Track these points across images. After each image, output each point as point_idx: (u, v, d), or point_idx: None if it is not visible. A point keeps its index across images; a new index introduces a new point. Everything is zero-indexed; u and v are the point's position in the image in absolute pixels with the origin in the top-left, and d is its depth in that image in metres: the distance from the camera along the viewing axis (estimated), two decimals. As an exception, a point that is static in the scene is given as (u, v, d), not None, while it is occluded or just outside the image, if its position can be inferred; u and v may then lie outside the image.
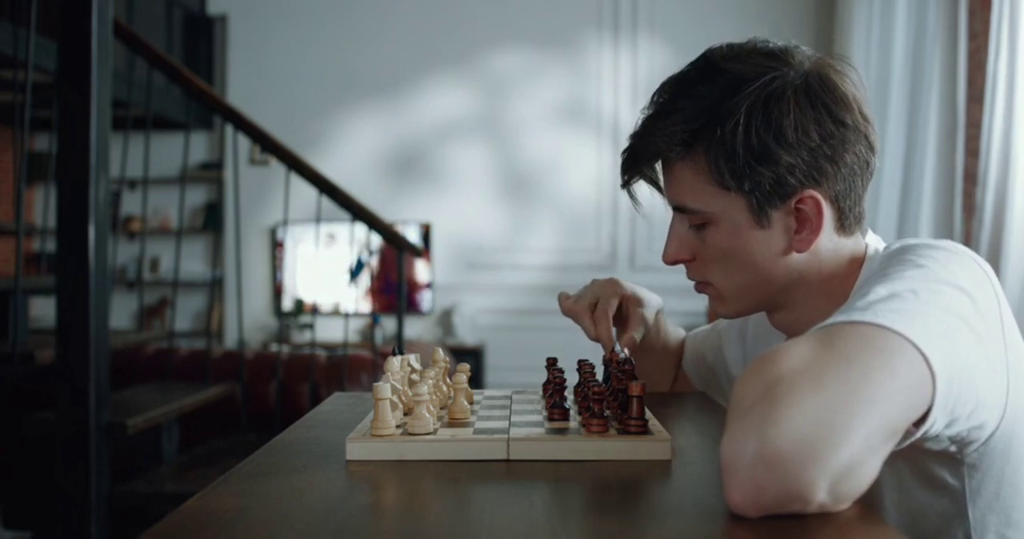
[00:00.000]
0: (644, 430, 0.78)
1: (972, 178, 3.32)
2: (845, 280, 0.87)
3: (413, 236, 5.11)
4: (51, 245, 2.14)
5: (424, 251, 4.95)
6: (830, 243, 0.86)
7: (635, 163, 0.89)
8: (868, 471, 0.61)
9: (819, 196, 0.83)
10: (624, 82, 5.03)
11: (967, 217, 3.42)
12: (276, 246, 5.26)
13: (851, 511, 0.62)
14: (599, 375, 0.94)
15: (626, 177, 0.91)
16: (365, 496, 0.70)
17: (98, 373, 1.96)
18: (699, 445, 0.84)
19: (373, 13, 5.17)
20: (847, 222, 0.86)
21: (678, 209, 0.88)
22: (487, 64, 5.11)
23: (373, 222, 3.02)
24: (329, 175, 3.03)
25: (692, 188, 0.85)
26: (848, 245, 0.88)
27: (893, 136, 3.91)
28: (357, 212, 2.97)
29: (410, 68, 5.14)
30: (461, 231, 5.16)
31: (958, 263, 0.77)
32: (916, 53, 3.72)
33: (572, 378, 0.93)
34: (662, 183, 0.90)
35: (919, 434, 0.69)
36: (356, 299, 5.24)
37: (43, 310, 4.28)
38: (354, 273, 5.08)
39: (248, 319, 5.09)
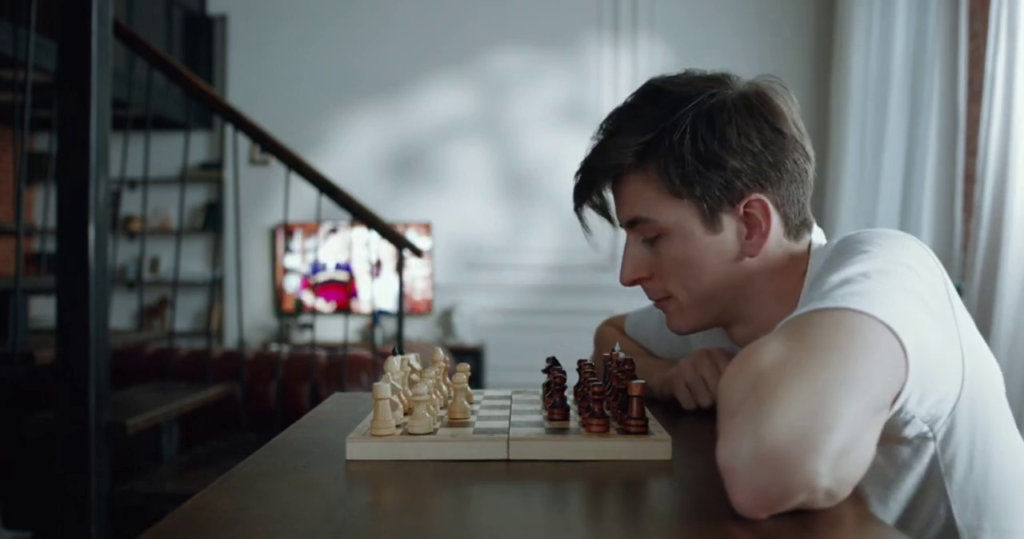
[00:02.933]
0: (644, 430, 0.78)
1: (972, 178, 3.32)
2: (796, 284, 0.90)
3: (417, 238, 5.11)
4: (51, 245, 2.14)
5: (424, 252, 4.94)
6: (779, 248, 0.90)
7: (589, 181, 0.92)
8: (865, 450, 0.62)
9: (765, 199, 0.87)
10: (624, 82, 5.03)
11: (967, 217, 3.42)
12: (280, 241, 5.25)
13: (851, 511, 0.62)
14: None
15: (579, 200, 0.93)
16: (365, 496, 0.70)
17: (98, 373, 1.96)
18: (699, 445, 0.84)
19: (373, 13, 5.17)
20: (793, 227, 0.90)
21: (632, 223, 0.91)
22: (487, 64, 5.11)
23: (373, 222, 3.02)
24: (329, 175, 3.03)
25: (645, 200, 0.89)
26: (797, 249, 0.92)
27: (893, 136, 3.91)
28: (357, 212, 2.97)
29: (410, 68, 5.14)
30: (461, 231, 5.15)
31: (900, 245, 0.80)
32: (916, 53, 3.72)
33: (572, 378, 0.93)
34: (613, 207, 0.94)
35: (895, 409, 0.70)
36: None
37: (43, 310, 4.28)
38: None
39: (248, 319, 5.09)
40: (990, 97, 2.93)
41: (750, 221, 0.88)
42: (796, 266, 0.91)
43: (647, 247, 0.92)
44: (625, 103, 0.93)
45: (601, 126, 0.93)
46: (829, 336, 0.67)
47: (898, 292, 0.72)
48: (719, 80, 0.92)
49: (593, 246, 1.02)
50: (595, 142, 0.92)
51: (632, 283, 0.95)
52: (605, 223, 0.96)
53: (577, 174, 0.93)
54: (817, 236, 0.95)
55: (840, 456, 0.59)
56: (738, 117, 0.87)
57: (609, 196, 0.95)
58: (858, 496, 0.64)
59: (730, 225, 0.88)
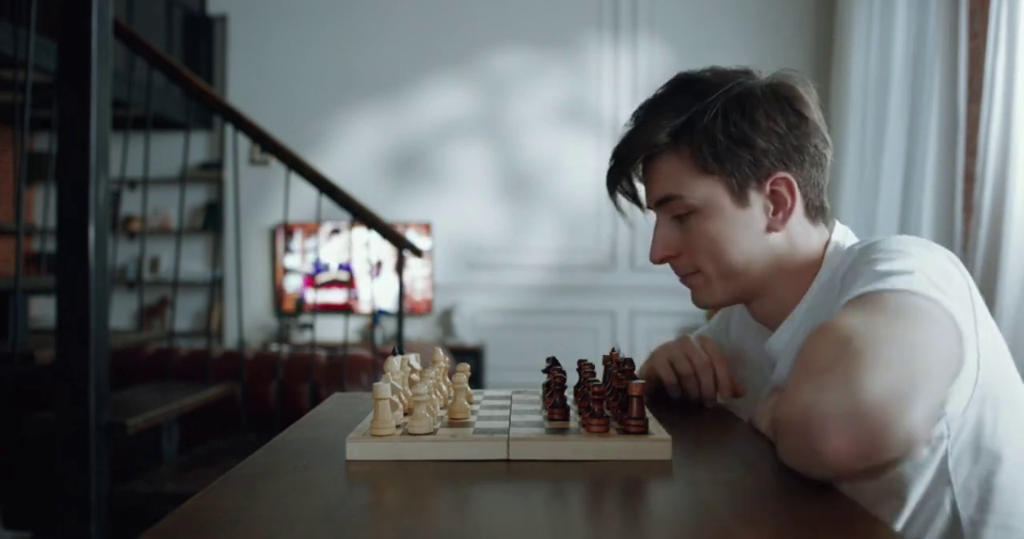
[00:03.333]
0: (644, 430, 0.78)
1: (972, 178, 3.32)
2: (812, 266, 0.96)
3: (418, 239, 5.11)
4: (51, 245, 2.14)
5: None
6: (801, 227, 0.96)
7: (624, 162, 0.97)
8: (938, 413, 0.71)
9: (791, 177, 0.94)
10: (624, 82, 5.03)
11: (967, 217, 3.42)
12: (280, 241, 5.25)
13: (852, 512, 0.62)
14: (599, 375, 0.94)
15: (613, 184, 1.00)
16: (365, 496, 0.70)
17: (98, 373, 1.95)
18: (699, 445, 0.84)
19: (373, 13, 5.17)
20: (813, 208, 0.96)
21: (664, 201, 0.96)
22: (487, 64, 5.11)
23: (373, 222, 3.02)
24: (329, 175, 3.03)
25: (678, 177, 0.94)
26: (816, 234, 0.98)
27: (893, 136, 3.91)
28: (357, 212, 2.97)
29: (410, 68, 5.14)
30: (461, 231, 5.16)
31: (924, 245, 0.88)
32: (916, 53, 3.72)
33: (572, 378, 0.93)
34: (643, 188, 1.00)
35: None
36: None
37: (43, 310, 4.28)
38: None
39: (248, 319, 5.09)
40: (990, 97, 2.93)
41: (776, 198, 0.94)
42: (815, 249, 0.97)
43: (676, 225, 0.97)
44: (656, 93, 0.98)
45: (634, 114, 0.98)
46: (905, 310, 0.72)
47: (935, 286, 0.78)
48: (745, 72, 0.98)
49: (629, 225, 1.05)
50: (628, 127, 0.98)
51: (662, 261, 0.99)
52: (634, 209, 1.03)
53: (612, 158, 0.98)
54: (840, 234, 0.99)
55: (928, 417, 0.64)
56: (765, 102, 0.93)
57: (638, 186, 1.02)
58: (857, 497, 0.64)
59: (757, 201, 0.94)
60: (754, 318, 1.03)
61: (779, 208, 0.94)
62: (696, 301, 1.01)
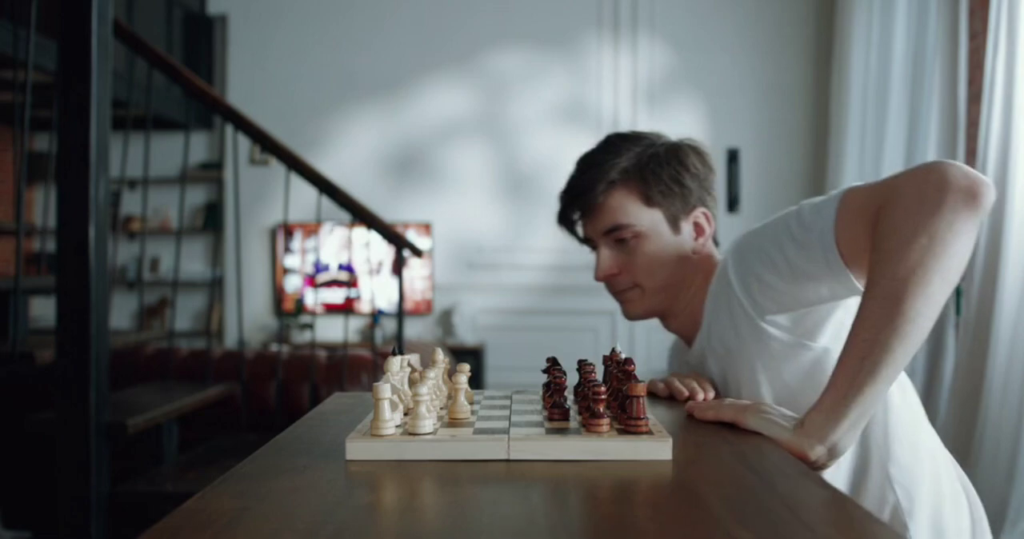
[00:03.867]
0: (644, 430, 0.78)
1: (972, 178, 3.32)
2: (709, 278, 1.17)
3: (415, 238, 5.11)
4: (51, 245, 2.14)
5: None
6: (707, 250, 1.21)
7: (583, 196, 1.19)
8: None
9: (708, 210, 1.21)
10: (624, 82, 5.03)
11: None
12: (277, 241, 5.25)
13: (850, 511, 0.62)
14: (599, 375, 0.94)
15: (568, 214, 1.23)
16: (365, 496, 0.70)
17: (98, 373, 1.95)
18: (699, 445, 0.84)
19: (373, 13, 5.17)
20: (711, 236, 1.22)
21: (613, 230, 1.18)
22: (487, 64, 5.11)
23: (373, 222, 3.02)
24: (329, 175, 3.03)
25: (626, 208, 1.18)
26: (714, 255, 1.23)
27: (893, 136, 3.91)
28: (357, 212, 2.97)
29: (410, 68, 5.14)
30: (461, 231, 5.16)
31: None
32: (916, 53, 3.72)
33: (572, 378, 0.93)
34: (587, 225, 1.22)
35: None
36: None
37: (43, 310, 4.28)
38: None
39: (248, 319, 5.10)
40: (990, 97, 2.93)
41: (698, 227, 1.21)
42: (713, 267, 1.20)
43: (617, 249, 1.19)
44: (594, 149, 1.22)
45: (578, 164, 1.22)
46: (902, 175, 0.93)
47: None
48: (661, 134, 1.24)
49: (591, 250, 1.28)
50: (576, 174, 1.22)
51: (605, 278, 1.21)
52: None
53: (567, 195, 1.22)
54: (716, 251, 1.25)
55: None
56: (691, 153, 1.20)
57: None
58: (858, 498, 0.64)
59: (686, 229, 1.20)
60: (671, 331, 1.25)
61: (700, 234, 1.21)
62: (628, 313, 1.23)
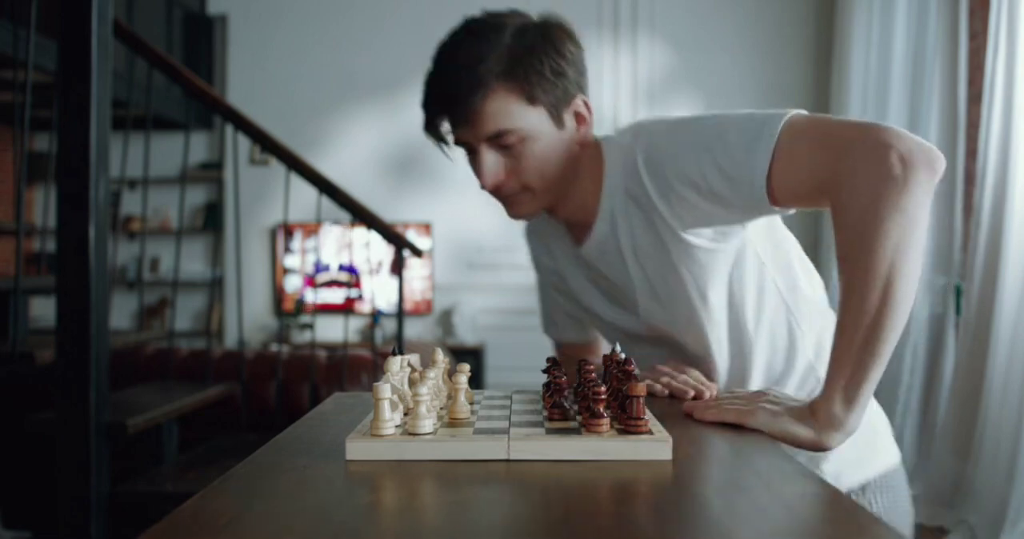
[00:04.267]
0: (644, 430, 0.78)
1: (972, 179, 3.32)
2: (598, 166, 1.12)
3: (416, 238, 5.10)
4: (51, 245, 2.14)
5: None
6: (590, 138, 1.13)
7: (459, 104, 1.04)
8: None
9: (586, 98, 1.12)
10: (624, 82, 5.03)
11: (967, 217, 3.42)
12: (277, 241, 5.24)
13: (850, 510, 0.62)
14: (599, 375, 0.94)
15: (435, 122, 1.09)
16: (365, 496, 0.70)
17: (98, 373, 1.95)
18: (699, 445, 0.84)
19: (373, 13, 5.17)
20: (593, 121, 1.14)
21: (496, 136, 1.06)
22: (487, 64, 5.11)
23: (373, 222, 3.02)
24: (329, 175, 3.03)
25: (509, 111, 1.05)
26: (595, 140, 1.15)
27: (893, 136, 3.90)
28: (357, 212, 2.97)
29: (410, 68, 5.13)
30: (461, 231, 5.15)
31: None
32: (916, 53, 3.72)
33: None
34: (462, 132, 1.08)
35: None
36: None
37: (43, 310, 4.28)
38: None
39: (248, 319, 5.09)
40: (990, 98, 2.93)
41: (579, 117, 1.11)
42: (599, 152, 1.13)
43: (501, 153, 1.08)
44: (456, 37, 1.07)
45: (441, 65, 1.06)
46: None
47: None
48: (520, 13, 1.10)
49: (451, 159, 1.20)
50: (441, 78, 1.06)
51: (495, 186, 1.10)
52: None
53: (437, 103, 1.07)
54: (600, 136, 1.16)
55: None
56: (565, 36, 1.08)
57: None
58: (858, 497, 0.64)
59: (568, 121, 1.09)
60: (561, 222, 1.20)
61: (582, 124, 1.11)
62: (515, 215, 1.14)
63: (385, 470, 0.74)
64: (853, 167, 0.86)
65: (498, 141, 1.06)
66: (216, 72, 5.32)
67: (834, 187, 0.87)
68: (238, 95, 5.13)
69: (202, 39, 5.27)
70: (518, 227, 5.02)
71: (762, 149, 0.93)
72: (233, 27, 5.27)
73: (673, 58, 5.01)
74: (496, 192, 1.12)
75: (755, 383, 1.13)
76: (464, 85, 1.03)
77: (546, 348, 1.48)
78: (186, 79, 2.64)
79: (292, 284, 5.28)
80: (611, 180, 1.09)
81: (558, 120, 1.08)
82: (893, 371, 3.60)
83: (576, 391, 0.91)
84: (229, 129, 3.51)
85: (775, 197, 0.94)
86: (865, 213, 0.84)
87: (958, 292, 3.37)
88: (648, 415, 0.81)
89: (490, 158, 1.08)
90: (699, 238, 1.04)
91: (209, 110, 2.93)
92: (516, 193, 1.11)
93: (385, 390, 0.79)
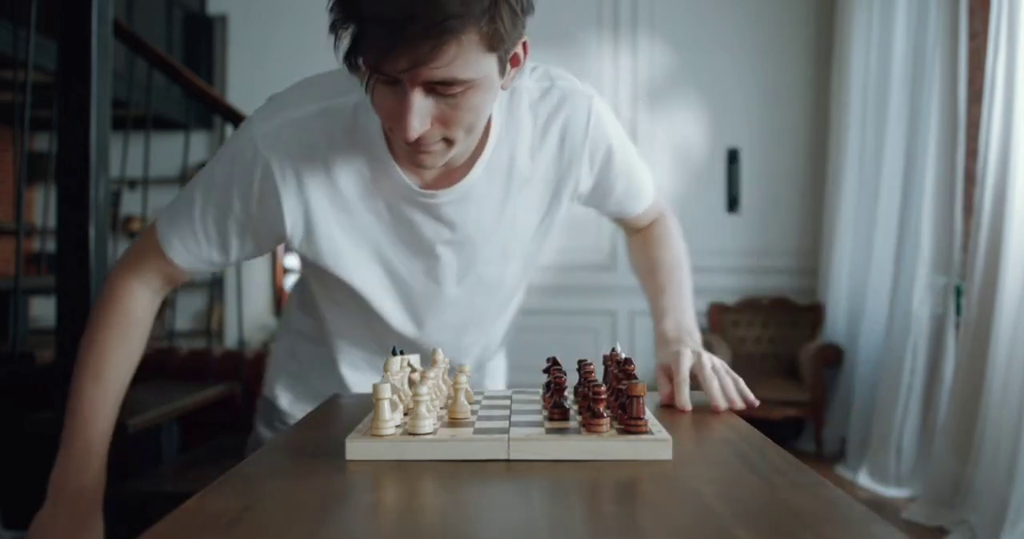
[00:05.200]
0: (644, 430, 0.78)
1: (972, 178, 3.32)
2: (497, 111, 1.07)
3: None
4: (51, 245, 2.14)
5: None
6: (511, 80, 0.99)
7: (409, 40, 0.81)
8: None
9: (526, 39, 0.96)
10: (624, 82, 5.03)
11: (967, 217, 3.42)
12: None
13: (850, 510, 0.62)
14: (599, 375, 0.94)
15: (376, 37, 0.82)
16: (365, 496, 0.70)
17: (98, 373, 1.95)
18: (699, 445, 0.84)
19: (373, 13, 5.17)
20: None
21: (441, 84, 0.87)
22: (487, 64, 5.11)
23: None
24: (329, 175, 3.02)
25: (468, 59, 0.85)
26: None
27: (893, 136, 3.91)
28: (357, 212, 2.97)
29: (410, 68, 5.15)
30: (461, 231, 5.16)
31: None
32: (916, 53, 3.72)
33: (572, 378, 0.93)
34: (398, 64, 0.83)
35: None
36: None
37: (43, 310, 4.28)
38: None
39: (248, 319, 5.10)
40: (990, 97, 2.93)
41: (515, 57, 0.95)
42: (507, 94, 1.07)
43: (434, 98, 0.89)
44: None
45: None
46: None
47: None
48: None
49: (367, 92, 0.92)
50: (399, 8, 0.80)
51: (418, 136, 0.90)
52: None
53: (373, 18, 0.81)
54: None
55: None
56: None
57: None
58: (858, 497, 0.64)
59: (507, 67, 0.94)
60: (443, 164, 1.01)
61: (515, 67, 0.96)
62: (425, 164, 0.96)
63: (385, 470, 0.74)
64: (668, 226, 1.39)
65: (439, 88, 0.87)
66: (216, 72, 5.32)
67: (661, 235, 1.38)
68: (238, 95, 5.13)
69: (202, 39, 5.27)
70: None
71: (647, 188, 1.29)
72: (233, 27, 5.27)
73: (673, 58, 5.01)
74: (420, 141, 0.92)
75: (470, 354, 1.32)
76: (432, 19, 0.80)
77: (546, 348, 1.49)
78: (186, 79, 2.63)
79: (292, 284, 5.28)
80: (514, 123, 1.08)
81: (502, 67, 0.92)
82: (893, 371, 3.60)
83: (576, 391, 0.91)
84: (229, 129, 3.50)
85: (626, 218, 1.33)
86: (670, 246, 1.37)
87: (958, 292, 3.37)
88: (648, 415, 0.81)
89: (422, 104, 0.88)
90: (562, 211, 1.17)
91: (209, 110, 2.93)
92: (435, 142, 0.93)
93: (385, 390, 0.79)
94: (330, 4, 0.85)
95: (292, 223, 1.07)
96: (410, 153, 0.95)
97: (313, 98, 1.07)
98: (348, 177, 1.05)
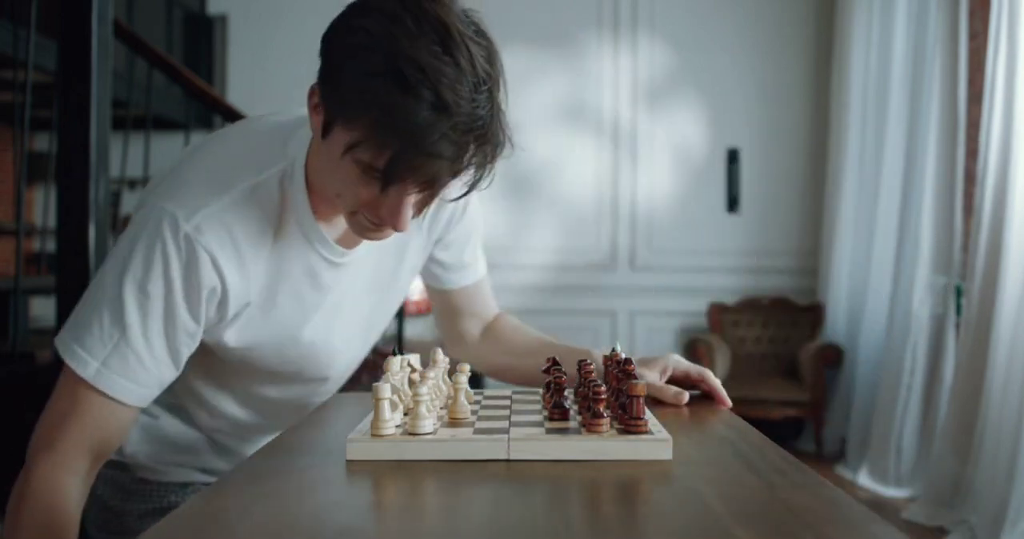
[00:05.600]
0: (644, 430, 0.78)
1: (972, 178, 3.32)
2: None
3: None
4: (51, 245, 2.14)
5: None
6: None
7: (458, 151, 0.86)
8: None
9: None
10: (624, 82, 5.03)
11: (967, 217, 3.42)
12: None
13: (850, 510, 0.62)
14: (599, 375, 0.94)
15: (428, 153, 0.83)
16: (365, 496, 0.70)
17: (98, 373, 1.95)
18: (699, 445, 0.84)
19: (373, 13, 5.17)
20: None
21: (431, 197, 0.90)
22: (487, 64, 5.11)
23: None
24: (329, 175, 3.02)
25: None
26: None
27: (893, 136, 3.91)
28: (357, 212, 2.97)
29: (410, 68, 5.14)
30: (461, 231, 5.16)
31: None
32: (916, 53, 3.72)
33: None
34: (423, 180, 0.87)
35: None
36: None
37: (43, 310, 4.28)
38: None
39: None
40: (990, 97, 2.93)
41: None
42: None
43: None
44: (476, 81, 0.88)
45: (461, 99, 0.84)
46: None
47: None
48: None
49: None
50: (462, 117, 0.84)
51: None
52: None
53: (429, 140, 0.82)
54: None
55: None
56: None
57: None
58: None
59: None
60: (338, 243, 1.02)
61: None
62: (379, 239, 0.96)
63: (385, 470, 0.74)
64: None
65: (427, 199, 0.91)
66: (216, 72, 5.32)
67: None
68: (238, 95, 5.13)
69: (202, 39, 5.26)
70: (518, 227, 5.00)
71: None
72: (233, 27, 5.27)
73: (673, 58, 5.01)
74: (375, 230, 0.94)
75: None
76: (468, 144, 0.86)
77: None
78: (186, 79, 2.64)
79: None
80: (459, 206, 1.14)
81: None
82: (893, 371, 3.60)
83: (576, 391, 0.91)
84: (229, 129, 3.52)
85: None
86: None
87: (958, 292, 3.37)
88: (648, 415, 0.81)
89: (408, 205, 0.89)
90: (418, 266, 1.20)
91: (209, 110, 2.93)
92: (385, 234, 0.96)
93: (385, 390, 0.79)
94: (369, 122, 0.83)
95: (235, 311, 0.99)
96: (366, 232, 0.94)
97: (237, 178, 0.97)
98: (280, 252, 1.00)
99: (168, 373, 0.97)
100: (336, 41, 0.89)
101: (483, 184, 0.94)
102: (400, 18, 0.82)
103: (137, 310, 0.92)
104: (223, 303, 0.97)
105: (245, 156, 1.00)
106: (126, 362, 0.92)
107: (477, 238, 1.28)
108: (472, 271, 1.28)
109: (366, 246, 1.06)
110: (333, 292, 1.06)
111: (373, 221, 0.91)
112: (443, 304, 1.31)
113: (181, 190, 0.96)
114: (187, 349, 0.97)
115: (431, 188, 0.88)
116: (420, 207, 0.92)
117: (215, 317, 0.98)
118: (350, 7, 0.89)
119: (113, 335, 0.92)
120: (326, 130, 0.89)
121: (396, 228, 0.90)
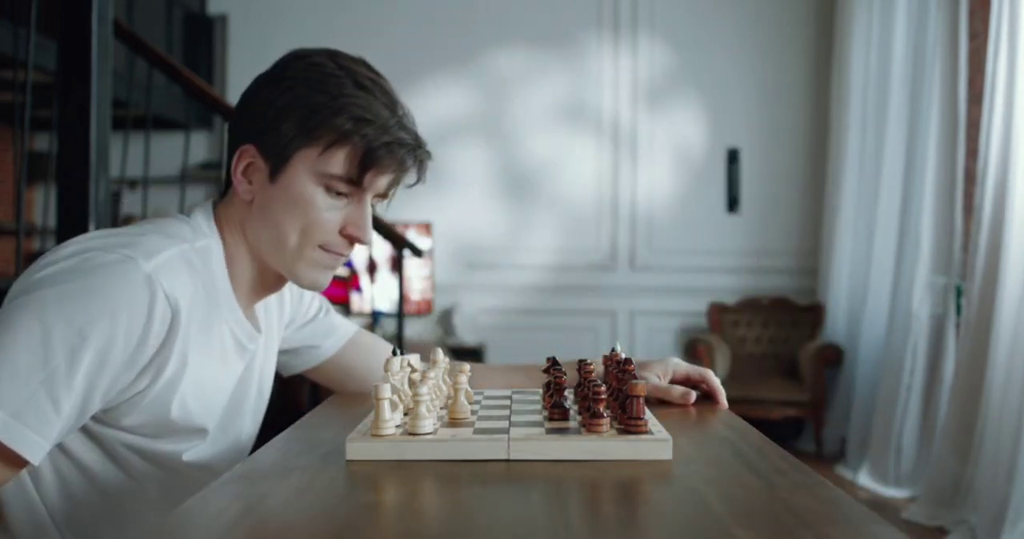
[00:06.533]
0: (644, 430, 0.78)
1: (972, 178, 3.32)
2: None
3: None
4: (51, 245, 2.13)
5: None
6: None
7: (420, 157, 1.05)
8: None
9: None
10: (624, 82, 5.03)
11: (967, 217, 3.42)
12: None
13: (851, 510, 0.62)
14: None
15: (407, 158, 1.02)
16: (365, 496, 0.70)
17: (98, 373, 1.95)
18: (699, 445, 0.84)
19: (373, 13, 5.17)
20: None
21: (391, 192, 1.03)
22: (487, 64, 5.11)
23: (373, 222, 3.01)
24: (329, 175, 3.02)
25: None
26: None
27: (893, 136, 3.91)
28: (357, 212, 2.97)
29: (410, 68, 5.14)
30: (461, 231, 5.15)
31: None
32: (916, 53, 3.72)
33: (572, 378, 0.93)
34: (393, 179, 1.02)
35: None
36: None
37: (43, 310, 4.27)
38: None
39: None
40: (990, 98, 2.93)
41: None
42: None
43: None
44: (384, 84, 1.05)
45: (404, 112, 1.05)
46: None
47: None
48: None
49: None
50: (409, 124, 1.05)
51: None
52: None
53: (417, 151, 1.03)
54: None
55: None
56: None
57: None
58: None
59: None
60: (266, 293, 1.04)
61: None
62: (328, 277, 0.99)
63: (385, 470, 0.74)
64: None
65: (385, 196, 1.03)
66: (216, 72, 5.32)
67: None
68: (238, 95, 5.12)
69: (202, 39, 5.26)
70: (518, 227, 5.01)
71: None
72: (233, 27, 5.27)
73: (673, 58, 5.01)
74: (340, 249, 0.97)
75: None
76: (417, 137, 1.04)
77: (546, 348, 1.48)
78: (186, 79, 2.63)
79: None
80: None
81: None
82: (893, 371, 3.60)
83: (576, 391, 0.91)
84: (229, 129, 3.52)
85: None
86: None
87: (958, 292, 3.37)
88: (648, 415, 0.81)
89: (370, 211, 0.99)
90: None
91: (209, 110, 2.93)
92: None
93: (385, 390, 0.79)
94: (340, 124, 0.94)
95: (174, 369, 0.89)
96: (321, 267, 0.97)
97: (179, 238, 0.92)
98: (209, 323, 0.94)
99: (72, 423, 0.82)
100: (266, 96, 0.99)
101: (411, 180, 1.05)
102: (321, 65, 0.99)
103: (66, 360, 0.78)
104: (170, 349, 0.87)
105: (180, 228, 0.95)
106: (39, 414, 0.77)
107: (328, 306, 1.26)
108: (344, 329, 1.24)
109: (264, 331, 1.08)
110: (243, 375, 1.06)
111: (334, 249, 0.96)
112: (339, 373, 1.27)
113: (132, 242, 0.87)
114: (102, 397, 0.83)
115: (399, 172, 0.99)
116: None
117: (150, 373, 0.87)
118: (262, 77, 1.03)
119: (40, 395, 0.77)
120: (276, 173, 0.94)
121: (362, 239, 0.97)
